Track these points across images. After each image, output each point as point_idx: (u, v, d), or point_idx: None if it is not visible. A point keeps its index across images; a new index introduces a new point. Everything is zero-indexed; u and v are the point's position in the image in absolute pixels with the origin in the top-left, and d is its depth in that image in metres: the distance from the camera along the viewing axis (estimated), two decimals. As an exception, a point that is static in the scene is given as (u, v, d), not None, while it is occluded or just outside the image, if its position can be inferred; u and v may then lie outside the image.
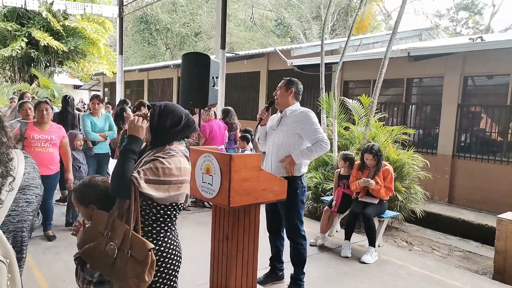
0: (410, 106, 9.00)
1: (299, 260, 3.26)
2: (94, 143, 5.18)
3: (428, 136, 8.70)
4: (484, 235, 5.82)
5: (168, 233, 1.85)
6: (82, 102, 18.51)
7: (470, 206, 7.43)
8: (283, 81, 3.27)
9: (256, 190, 2.70)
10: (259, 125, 3.30)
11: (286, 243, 3.41)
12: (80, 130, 5.36)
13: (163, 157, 1.76)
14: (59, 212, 5.11)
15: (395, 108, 9.00)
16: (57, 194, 6.02)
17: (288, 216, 3.19)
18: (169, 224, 1.85)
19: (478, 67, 7.62)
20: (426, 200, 5.81)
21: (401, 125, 6.95)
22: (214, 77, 5.10)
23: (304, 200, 3.25)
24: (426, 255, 4.80)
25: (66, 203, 5.29)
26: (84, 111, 7.78)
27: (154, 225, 1.81)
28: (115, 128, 5.51)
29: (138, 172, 1.71)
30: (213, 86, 5.12)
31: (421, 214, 5.44)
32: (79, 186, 1.96)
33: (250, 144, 6.08)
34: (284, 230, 3.41)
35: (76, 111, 6.35)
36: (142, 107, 6.56)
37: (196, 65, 5.08)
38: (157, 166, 1.73)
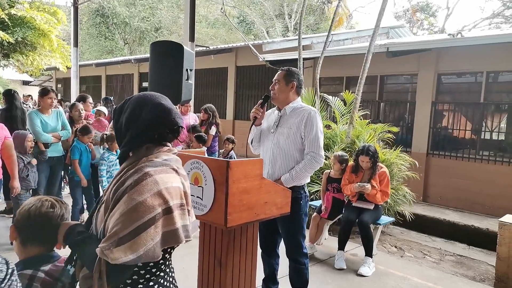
0: (383, 104, 8.84)
1: (301, 281, 2.76)
2: (47, 145, 4.40)
3: (402, 134, 8.57)
4: (469, 236, 5.67)
5: (159, 279, 1.29)
6: (32, 99, 16.87)
7: (445, 204, 7.37)
8: (281, 72, 2.71)
9: (257, 204, 2.19)
10: (253, 125, 2.76)
11: (281, 260, 2.94)
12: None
13: (131, 187, 1.19)
14: (3, 226, 4.37)
15: (369, 106, 8.80)
16: (1, 205, 5.24)
17: (289, 232, 2.68)
18: (161, 266, 1.30)
19: (452, 65, 7.56)
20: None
21: (374, 123, 6.70)
22: (188, 70, 4.48)
23: (307, 212, 2.77)
24: (423, 263, 4.51)
25: (12, 215, 4.52)
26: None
27: (138, 270, 1.25)
28: (69, 126, 4.75)
29: (104, 240, 1.17)
30: (187, 79, 4.51)
31: (411, 217, 5.17)
32: (19, 214, 1.47)
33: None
34: (279, 247, 2.93)
35: (24, 109, 5.52)
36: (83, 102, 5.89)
37: (167, 56, 4.42)
38: (125, 209, 1.16)
